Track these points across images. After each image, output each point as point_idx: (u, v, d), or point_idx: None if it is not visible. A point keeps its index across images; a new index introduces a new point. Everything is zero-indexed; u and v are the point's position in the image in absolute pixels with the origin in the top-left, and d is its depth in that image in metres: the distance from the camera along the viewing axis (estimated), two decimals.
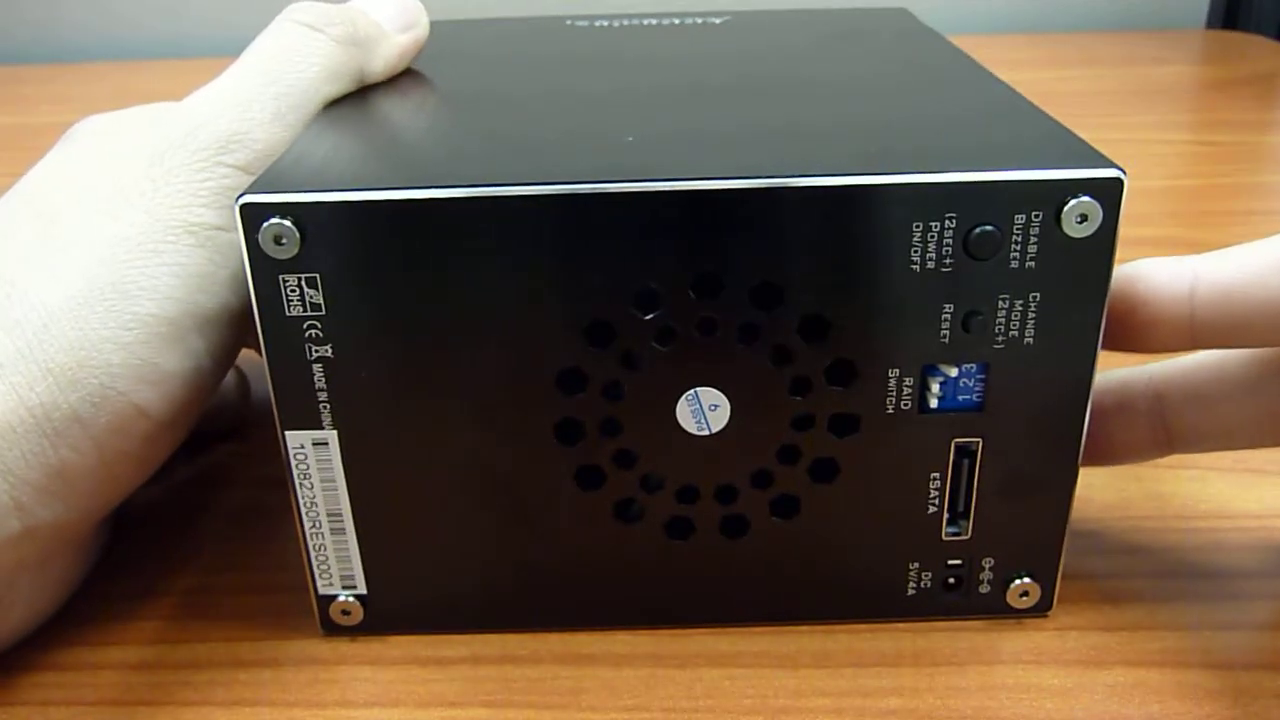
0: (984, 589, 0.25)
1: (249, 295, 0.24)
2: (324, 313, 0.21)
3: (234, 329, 0.24)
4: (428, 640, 0.25)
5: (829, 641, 0.25)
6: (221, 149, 0.23)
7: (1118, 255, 0.21)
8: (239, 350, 0.25)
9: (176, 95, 0.26)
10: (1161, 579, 0.26)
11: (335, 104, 0.27)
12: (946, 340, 0.22)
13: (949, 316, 0.22)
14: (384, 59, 0.28)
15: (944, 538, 0.24)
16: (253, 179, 0.23)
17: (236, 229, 0.21)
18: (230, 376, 0.33)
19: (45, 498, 0.22)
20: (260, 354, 0.22)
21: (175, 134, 0.24)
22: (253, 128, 0.24)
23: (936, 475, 0.23)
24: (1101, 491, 0.30)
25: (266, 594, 0.27)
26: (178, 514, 0.30)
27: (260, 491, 0.31)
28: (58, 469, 0.22)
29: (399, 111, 0.27)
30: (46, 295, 0.22)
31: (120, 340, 0.22)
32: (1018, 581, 0.24)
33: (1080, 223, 0.21)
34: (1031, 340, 0.22)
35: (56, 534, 0.23)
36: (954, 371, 0.22)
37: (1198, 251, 0.22)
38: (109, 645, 0.25)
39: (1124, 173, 0.20)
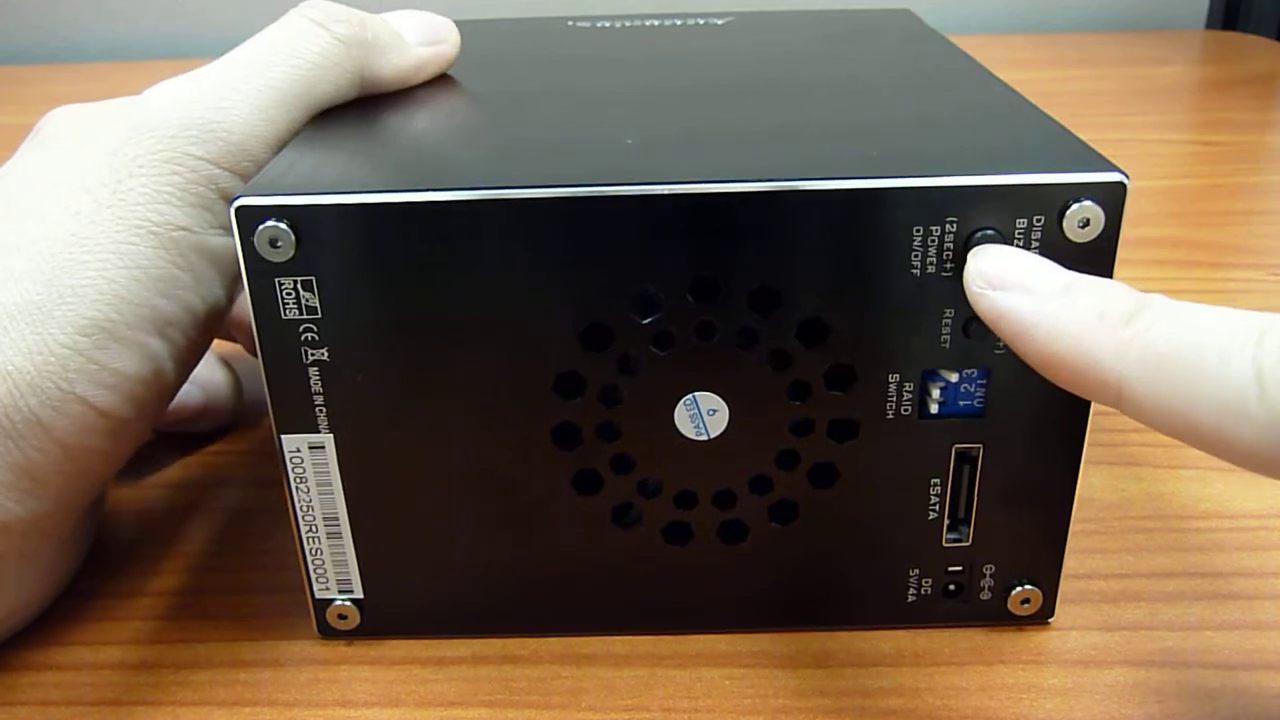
0: (985, 596, 0.24)
1: (214, 296, 0.23)
2: (320, 316, 0.21)
3: (198, 330, 0.23)
4: (428, 640, 0.25)
5: (829, 641, 0.25)
6: (190, 139, 0.22)
7: (1118, 255, 0.21)
8: (205, 349, 0.24)
9: None
10: (1161, 579, 0.26)
11: (333, 107, 0.27)
12: (947, 345, 0.22)
13: (950, 321, 0.22)
14: (396, 67, 0.27)
15: (944, 544, 0.24)
16: (225, 174, 0.23)
17: (231, 231, 0.21)
18: (223, 377, 0.33)
19: (16, 494, 0.22)
20: (255, 356, 0.22)
21: (139, 120, 0.23)
22: (228, 118, 0.23)
23: (937, 481, 0.23)
24: (1101, 491, 0.30)
25: (266, 594, 0.26)
26: (176, 514, 0.30)
27: (258, 491, 0.31)
28: (24, 467, 0.22)
29: (396, 113, 0.26)
30: (5, 299, 0.22)
31: (77, 345, 0.22)
32: (1019, 588, 0.24)
33: (1083, 227, 0.20)
34: None
35: (33, 527, 0.23)
36: (955, 377, 0.22)
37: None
38: (109, 645, 0.25)
39: (1127, 177, 0.20)
